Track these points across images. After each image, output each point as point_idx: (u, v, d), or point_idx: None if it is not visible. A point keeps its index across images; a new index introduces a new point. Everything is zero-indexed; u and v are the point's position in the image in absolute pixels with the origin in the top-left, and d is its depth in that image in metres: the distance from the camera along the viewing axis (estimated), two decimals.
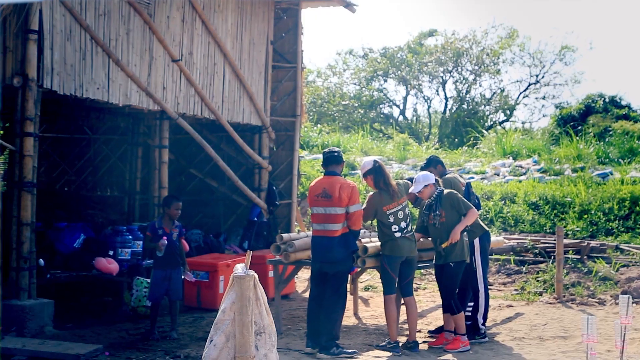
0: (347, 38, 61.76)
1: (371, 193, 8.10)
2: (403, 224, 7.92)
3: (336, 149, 8.09)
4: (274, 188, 12.76)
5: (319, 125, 26.77)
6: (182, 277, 8.59)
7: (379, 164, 8.05)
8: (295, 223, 13.45)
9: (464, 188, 8.69)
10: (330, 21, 70.41)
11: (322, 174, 8.05)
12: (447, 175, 8.78)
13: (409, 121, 32.14)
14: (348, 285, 10.02)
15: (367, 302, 11.07)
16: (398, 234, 7.89)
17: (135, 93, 9.94)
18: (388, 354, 7.87)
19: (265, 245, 11.65)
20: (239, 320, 4.40)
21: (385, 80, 31.40)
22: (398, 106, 32.19)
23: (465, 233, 8.09)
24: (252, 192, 12.40)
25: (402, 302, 8.41)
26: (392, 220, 7.90)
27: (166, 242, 8.29)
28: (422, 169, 8.87)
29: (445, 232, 7.99)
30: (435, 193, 8.13)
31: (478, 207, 8.76)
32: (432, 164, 8.87)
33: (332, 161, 7.92)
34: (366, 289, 11.92)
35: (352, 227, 7.73)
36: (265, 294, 4.65)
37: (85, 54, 9.10)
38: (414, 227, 8.70)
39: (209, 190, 13.64)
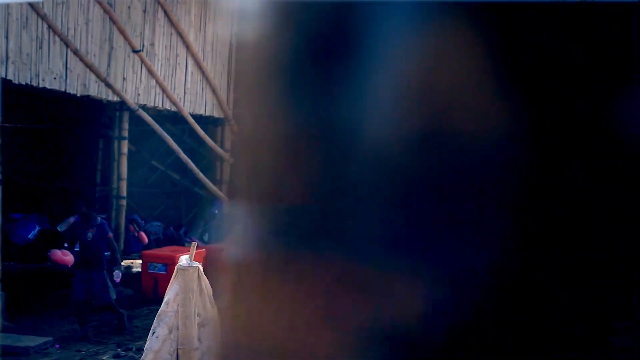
0: None
1: None
2: None
3: None
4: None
5: None
6: (115, 278, 8.27)
7: None
8: None
9: None
10: None
11: None
12: None
13: None
14: None
15: None
16: None
17: (94, 83, 9.82)
18: None
19: None
20: (182, 312, 4.36)
21: None
22: None
23: None
24: (213, 185, 12.33)
25: None
26: None
27: (72, 220, 8.07)
28: None
29: None
30: None
31: None
32: None
33: None
34: None
35: None
36: (210, 286, 4.61)
37: (42, 42, 8.96)
38: None
39: (171, 182, 13.55)
